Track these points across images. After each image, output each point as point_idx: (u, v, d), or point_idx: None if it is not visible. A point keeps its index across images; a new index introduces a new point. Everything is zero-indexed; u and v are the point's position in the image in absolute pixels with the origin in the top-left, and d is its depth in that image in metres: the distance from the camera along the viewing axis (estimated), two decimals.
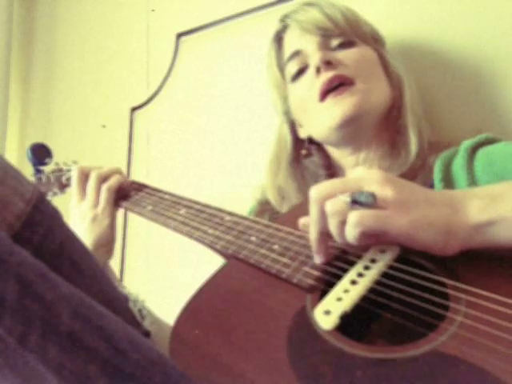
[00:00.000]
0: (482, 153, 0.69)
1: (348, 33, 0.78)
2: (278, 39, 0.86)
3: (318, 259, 0.54)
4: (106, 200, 0.81)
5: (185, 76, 1.32)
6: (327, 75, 0.74)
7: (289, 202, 0.84)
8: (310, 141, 0.85)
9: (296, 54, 0.80)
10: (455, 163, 0.69)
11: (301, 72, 0.80)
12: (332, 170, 0.86)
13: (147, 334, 0.61)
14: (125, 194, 0.84)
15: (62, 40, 1.69)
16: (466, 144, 0.70)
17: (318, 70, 0.75)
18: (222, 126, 1.23)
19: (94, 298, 0.49)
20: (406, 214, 0.48)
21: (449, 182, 0.68)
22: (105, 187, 0.82)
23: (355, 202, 0.49)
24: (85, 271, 0.58)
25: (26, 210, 0.54)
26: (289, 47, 0.82)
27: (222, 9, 1.23)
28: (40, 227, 0.55)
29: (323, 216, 0.51)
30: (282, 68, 0.84)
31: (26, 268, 0.45)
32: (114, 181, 0.83)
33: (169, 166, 1.32)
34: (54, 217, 0.59)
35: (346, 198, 0.49)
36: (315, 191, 0.52)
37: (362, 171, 0.52)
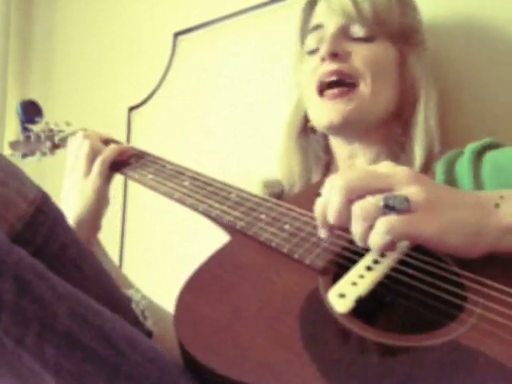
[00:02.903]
0: (489, 157, 0.67)
1: (371, 25, 0.75)
2: (311, 6, 0.84)
3: (323, 233, 0.51)
4: (97, 172, 0.77)
5: (182, 75, 1.31)
6: (328, 67, 0.73)
7: (292, 177, 0.83)
8: None
9: (317, 27, 0.79)
10: (459, 166, 0.68)
11: (315, 51, 0.78)
12: (328, 156, 0.84)
13: (149, 334, 0.60)
14: (123, 159, 0.79)
15: (59, 40, 1.68)
16: (472, 147, 0.68)
17: (323, 59, 0.74)
18: (219, 126, 1.21)
19: (96, 299, 0.49)
20: (437, 218, 0.46)
21: (452, 185, 0.66)
22: (99, 159, 0.77)
23: (388, 207, 0.45)
24: (87, 272, 0.58)
25: (29, 211, 0.54)
26: (315, 18, 0.81)
27: (219, 8, 1.23)
28: (42, 228, 0.55)
29: (347, 211, 0.47)
30: (303, 36, 0.83)
31: (23, 268, 0.45)
32: (109, 153, 0.79)
33: None
34: (57, 218, 0.58)
35: (378, 202, 0.46)
36: (342, 178, 0.48)
37: (390, 167, 0.49)
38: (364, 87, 0.73)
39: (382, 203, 0.45)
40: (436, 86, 0.78)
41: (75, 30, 1.62)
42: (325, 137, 0.84)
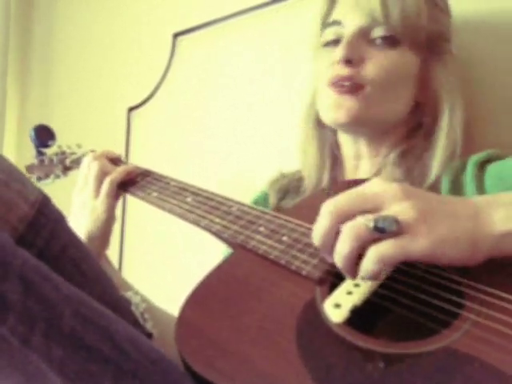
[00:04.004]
0: (492, 168, 0.67)
1: (396, 30, 0.71)
2: None
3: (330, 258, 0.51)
4: (106, 193, 0.79)
5: (182, 76, 1.31)
6: (342, 71, 0.71)
7: (308, 169, 0.81)
8: None
9: (337, 23, 0.75)
10: (464, 177, 0.68)
11: (332, 43, 0.76)
12: (338, 153, 0.82)
13: (149, 336, 0.61)
14: (130, 178, 0.82)
15: (59, 40, 1.68)
16: (475, 158, 0.69)
17: (338, 62, 0.72)
18: (219, 126, 1.22)
19: (96, 301, 0.50)
20: (429, 233, 0.45)
21: (458, 193, 0.66)
22: (107, 180, 0.79)
23: (377, 229, 0.45)
24: (87, 274, 0.59)
25: (30, 213, 0.55)
26: (337, 12, 0.77)
27: (219, 8, 1.23)
28: (43, 230, 0.56)
29: (334, 232, 0.48)
30: (322, 26, 0.80)
31: (28, 269, 0.45)
32: (117, 174, 0.81)
33: (166, 167, 1.30)
34: (58, 220, 0.59)
35: (368, 223, 0.46)
36: (331, 203, 0.48)
37: (378, 185, 0.49)
38: (370, 90, 0.71)
39: (372, 225, 0.45)
40: (461, 97, 0.74)
41: (75, 30, 1.62)
42: (334, 131, 0.82)
